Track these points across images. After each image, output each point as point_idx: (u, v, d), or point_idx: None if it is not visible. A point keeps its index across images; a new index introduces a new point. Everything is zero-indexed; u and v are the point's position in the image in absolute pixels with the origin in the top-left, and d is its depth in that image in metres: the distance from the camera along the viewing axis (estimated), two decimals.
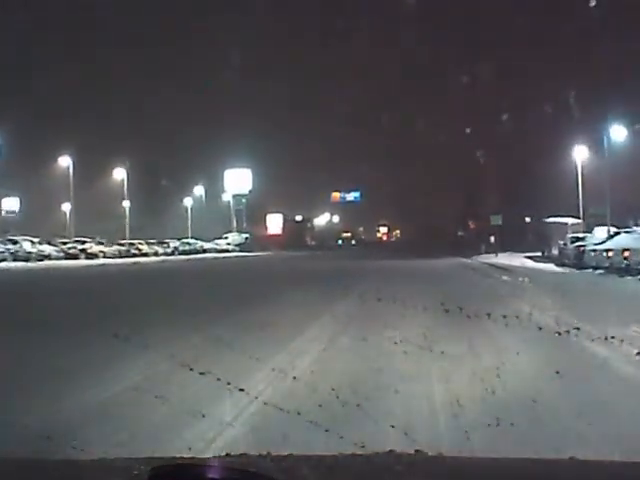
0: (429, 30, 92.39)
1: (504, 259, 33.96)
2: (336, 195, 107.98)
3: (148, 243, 54.79)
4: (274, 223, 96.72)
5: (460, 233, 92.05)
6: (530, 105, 64.13)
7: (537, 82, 70.49)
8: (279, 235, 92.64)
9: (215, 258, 50.74)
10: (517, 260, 32.97)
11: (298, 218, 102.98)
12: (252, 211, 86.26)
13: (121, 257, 46.21)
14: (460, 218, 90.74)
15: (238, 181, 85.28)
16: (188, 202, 77.46)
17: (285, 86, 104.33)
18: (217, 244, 67.82)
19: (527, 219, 60.84)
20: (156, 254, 52.70)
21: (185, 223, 72.64)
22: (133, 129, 70.83)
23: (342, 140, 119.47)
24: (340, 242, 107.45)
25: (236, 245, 70.68)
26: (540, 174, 56.73)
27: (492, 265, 29.40)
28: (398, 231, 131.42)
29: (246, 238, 75.58)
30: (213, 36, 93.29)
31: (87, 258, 42.41)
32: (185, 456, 3.42)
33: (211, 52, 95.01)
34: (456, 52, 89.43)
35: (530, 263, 31.20)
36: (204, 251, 61.23)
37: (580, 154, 40.49)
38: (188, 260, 45.30)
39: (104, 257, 44.50)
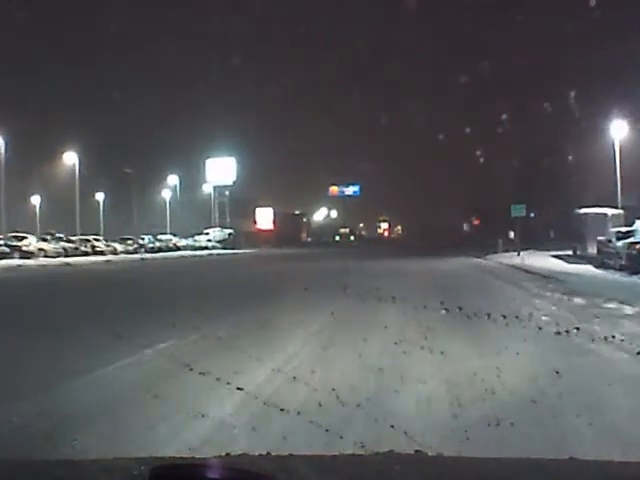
0: (430, 24, 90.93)
1: (530, 260, 27.18)
2: (334, 189, 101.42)
3: (107, 239, 48.46)
4: (264, 218, 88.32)
5: (466, 228, 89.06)
6: (544, 88, 61.47)
7: (545, 69, 69.16)
8: (270, 231, 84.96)
9: (184, 257, 44.43)
10: (546, 261, 26.61)
11: (292, 212, 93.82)
12: (239, 205, 78.77)
13: (67, 256, 39.21)
14: (466, 212, 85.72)
15: (221, 171, 76.66)
16: (166, 194, 68.54)
17: (279, 72, 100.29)
18: (196, 240, 61.01)
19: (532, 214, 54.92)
20: (114, 252, 45.93)
21: (164, 217, 65.63)
22: (106, 118, 65.08)
23: (340, 131, 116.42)
24: (337, 238, 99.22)
25: (218, 241, 64.03)
26: (558, 162, 50.88)
27: (522, 269, 22.44)
28: (399, 227, 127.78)
29: (229, 234, 67.74)
30: (206, 23, 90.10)
31: (22, 257, 36.07)
32: (185, 456, 3.42)
33: (199, 36, 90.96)
34: (460, 42, 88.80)
35: (564, 265, 24.39)
36: (177, 248, 54.31)
37: (618, 132, 32.89)
38: (143, 260, 38.33)
39: (45, 256, 37.96)
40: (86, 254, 42.54)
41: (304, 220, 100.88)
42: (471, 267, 26.96)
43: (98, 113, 64.83)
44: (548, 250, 33.93)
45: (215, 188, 77.10)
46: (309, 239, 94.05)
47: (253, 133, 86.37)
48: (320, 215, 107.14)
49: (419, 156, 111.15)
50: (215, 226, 70.88)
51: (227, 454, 2.54)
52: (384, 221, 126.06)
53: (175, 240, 57.18)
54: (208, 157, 76.55)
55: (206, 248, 58.22)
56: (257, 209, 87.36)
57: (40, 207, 60.71)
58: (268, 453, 2.14)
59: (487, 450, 3.66)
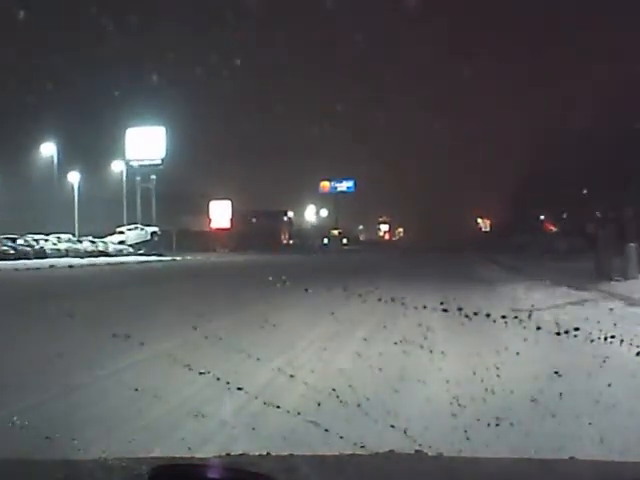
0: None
1: None
2: (325, 184, 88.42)
3: None
4: (219, 213, 69.77)
5: (484, 228, 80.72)
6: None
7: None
8: (227, 230, 68.06)
9: None
10: None
11: (269, 210, 78.10)
12: (184, 197, 60.86)
13: None
14: (497, 207, 71.23)
15: (145, 145, 55.89)
16: (74, 178, 49.54)
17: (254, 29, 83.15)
18: (93, 242, 43.75)
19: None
20: None
21: (73, 209, 48.75)
22: None
23: (332, 120, 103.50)
24: (326, 241, 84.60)
25: (135, 244, 48.51)
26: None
27: None
28: (401, 229, 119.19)
29: (153, 234, 51.63)
30: None
31: None
32: (185, 456, 3.43)
33: None
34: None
35: None
36: (44, 255, 36.79)
37: None
38: None
39: None
40: None
41: (285, 219, 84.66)
42: None
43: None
44: None
45: (130, 169, 56.61)
46: (291, 242, 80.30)
47: (213, 107, 71.14)
48: (307, 214, 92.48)
49: (420, 154, 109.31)
50: (138, 223, 53.78)
51: (227, 454, 2.55)
52: (384, 223, 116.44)
53: (52, 242, 40.14)
54: (129, 127, 57.34)
55: (105, 254, 41.82)
56: (212, 203, 69.88)
57: None
58: (268, 453, 2.14)
59: (487, 450, 3.66)
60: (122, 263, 35.52)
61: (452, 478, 1.92)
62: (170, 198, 56.43)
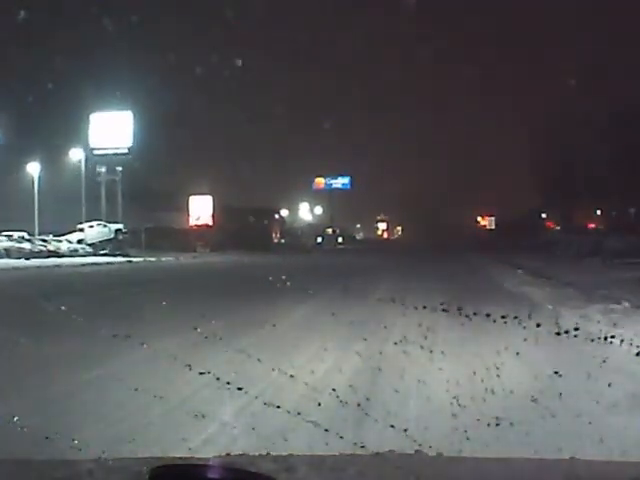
0: None
1: None
2: (320, 181, 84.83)
3: None
4: (199, 210, 63.63)
5: (490, 226, 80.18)
6: None
7: None
8: (208, 227, 62.22)
9: None
10: None
11: (259, 207, 71.47)
12: (159, 192, 55.16)
13: None
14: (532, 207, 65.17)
15: (110, 133, 49.45)
16: (34, 169, 44.22)
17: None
18: (45, 241, 38.54)
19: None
20: None
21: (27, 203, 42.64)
22: None
23: (330, 117, 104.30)
24: (320, 240, 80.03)
25: (98, 243, 43.75)
26: None
27: None
28: (399, 227, 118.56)
29: (117, 231, 46.26)
30: None
31: None
32: (185, 456, 3.43)
33: None
34: None
35: None
36: None
37: None
38: None
39: None
40: None
41: (276, 217, 78.41)
42: None
43: None
44: None
45: (92, 160, 49.95)
46: (283, 241, 75.50)
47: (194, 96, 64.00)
48: (301, 212, 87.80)
49: (420, 153, 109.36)
50: (102, 220, 47.50)
51: (227, 454, 2.54)
52: (382, 221, 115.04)
53: None
54: (93, 112, 50.59)
55: (56, 255, 36.23)
56: (191, 198, 63.52)
57: None
58: (268, 453, 2.14)
59: (487, 450, 3.66)
60: (57, 266, 29.04)
61: (452, 478, 1.92)
62: (143, 193, 50.81)
